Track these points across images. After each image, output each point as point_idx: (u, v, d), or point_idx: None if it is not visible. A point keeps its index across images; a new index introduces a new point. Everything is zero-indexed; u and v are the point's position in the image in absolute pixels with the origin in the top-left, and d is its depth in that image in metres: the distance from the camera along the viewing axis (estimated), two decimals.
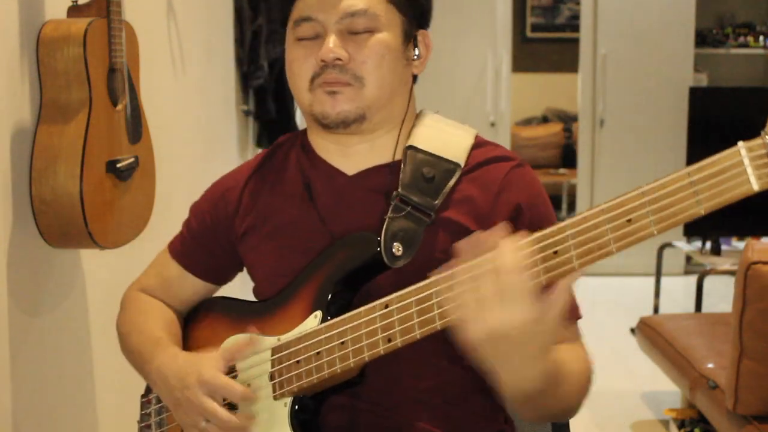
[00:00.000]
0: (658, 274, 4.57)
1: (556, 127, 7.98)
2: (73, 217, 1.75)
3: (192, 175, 2.90)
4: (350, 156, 1.31)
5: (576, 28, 6.14)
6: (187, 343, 1.41)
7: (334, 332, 1.16)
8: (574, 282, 0.99)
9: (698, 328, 3.27)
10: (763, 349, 2.38)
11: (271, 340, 1.24)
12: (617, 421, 3.50)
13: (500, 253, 0.98)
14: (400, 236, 1.21)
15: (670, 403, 3.52)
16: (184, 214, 1.49)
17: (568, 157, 7.70)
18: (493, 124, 5.83)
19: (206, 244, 1.42)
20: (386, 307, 1.12)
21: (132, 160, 1.92)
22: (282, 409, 1.22)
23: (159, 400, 1.39)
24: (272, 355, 1.23)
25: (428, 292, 1.08)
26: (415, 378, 1.26)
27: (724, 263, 4.14)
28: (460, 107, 5.72)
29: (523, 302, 0.97)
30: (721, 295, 4.80)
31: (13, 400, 1.73)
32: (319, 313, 1.22)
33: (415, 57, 1.32)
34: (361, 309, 1.14)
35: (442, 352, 1.24)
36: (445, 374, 1.27)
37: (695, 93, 4.66)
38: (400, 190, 1.25)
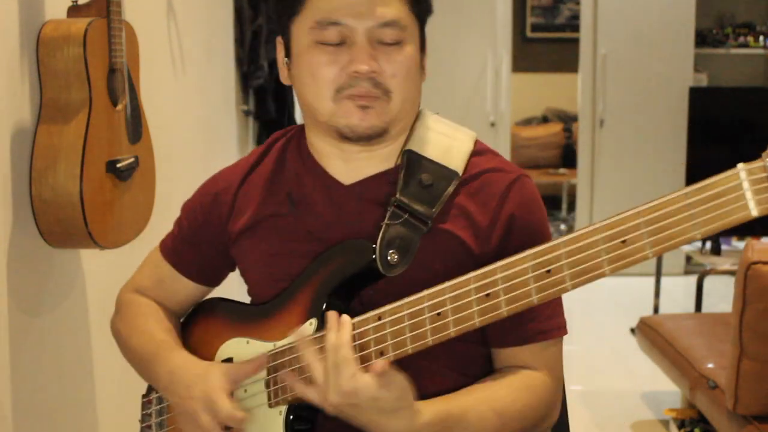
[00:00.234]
0: (658, 274, 4.57)
1: (556, 127, 7.98)
2: (73, 217, 1.75)
3: (192, 175, 2.89)
4: (350, 162, 1.26)
5: (576, 28, 6.14)
6: (186, 344, 1.40)
7: None
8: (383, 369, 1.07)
9: (698, 328, 3.27)
10: (763, 349, 2.38)
11: (267, 346, 1.24)
12: (617, 421, 3.50)
13: (327, 330, 1.11)
14: (396, 244, 1.18)
15: (670, 403, 3.52)
16: None
17: (568, 157, 7.69)
18: (493, 124, 5.83)
19: (197, 243, 1.40)
20: (379, 319, 1.11)
21: (132, 160, 1.92)
22: (277, 418, 1.21)
23: (160, 401, 1.39)
24: (268, 363, 1.22)
25: (421, 306, 1.07)
26: (415, 386, 1.21)
27: (724, 263, 4.14)
28: (460, 107, 5.72)
29: (343, 377, 1.07)
30: (721, 295, 4.80)
31: (13, 400, 1.73)
32: (314, 321, 1.20)
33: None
34: (355, 320, 1.13)
35: (442, 359, 1.23)
36: (446, 382, 1.25)
37: (695, 93, 4.66)
38: (398, 195, 1.22)
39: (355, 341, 1.11)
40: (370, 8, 1.17)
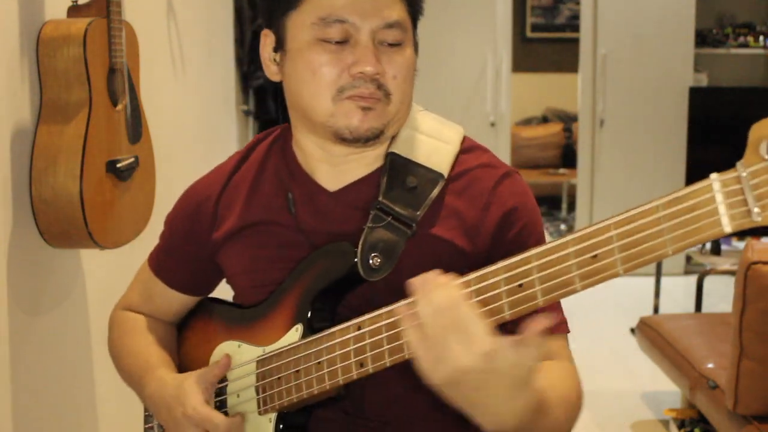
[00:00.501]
0: (658, 274, 4.57)
1: (556, 127, 7.98)
2: (73, 217, 1.75)
3: (192, 176, 2.89)
4: (337, 166, 1.23)
5: (576, 28, 6.14)
6: (182, 347, 1.41)
7: (311, 351, 1.13)
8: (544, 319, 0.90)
9: (698, 328, 3.27)
10: (763, 349, 2.38)
11: (256, 351, 1.23)
12: (617, 421, 3.50)
13: (436, 291, 0.92)
14: (379, 247, 1.15)
15: (670, 403, 3.52)
16: None
17: (568, 157, 7.70)
18: (493, 124, 5.83)
19: (183, 255, 1.37)
20: (359, 329, 1.07)
21: (132, 160, 1.92)
22: (267, 425, 1.20)
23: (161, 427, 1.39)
24: (257, 369, 1.22)
25: (397, 318, 1.02)
26: (413, 392, 1.20)
27: (724, 263, 4.15)
28: (460, 107, 5.72)
29: (476, 337, 0.89)
30: (721, 295, 4.80)
31: (13, 400, 1.73)
32: (300, 327, 1.19)
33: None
34: (336, 329, 1.10)
35: None
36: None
37: (695, 93, 4.67)
38: (381, 198, 1.19)
39: (340, 350, 1.08)
40: (376, 8, 1.15)
